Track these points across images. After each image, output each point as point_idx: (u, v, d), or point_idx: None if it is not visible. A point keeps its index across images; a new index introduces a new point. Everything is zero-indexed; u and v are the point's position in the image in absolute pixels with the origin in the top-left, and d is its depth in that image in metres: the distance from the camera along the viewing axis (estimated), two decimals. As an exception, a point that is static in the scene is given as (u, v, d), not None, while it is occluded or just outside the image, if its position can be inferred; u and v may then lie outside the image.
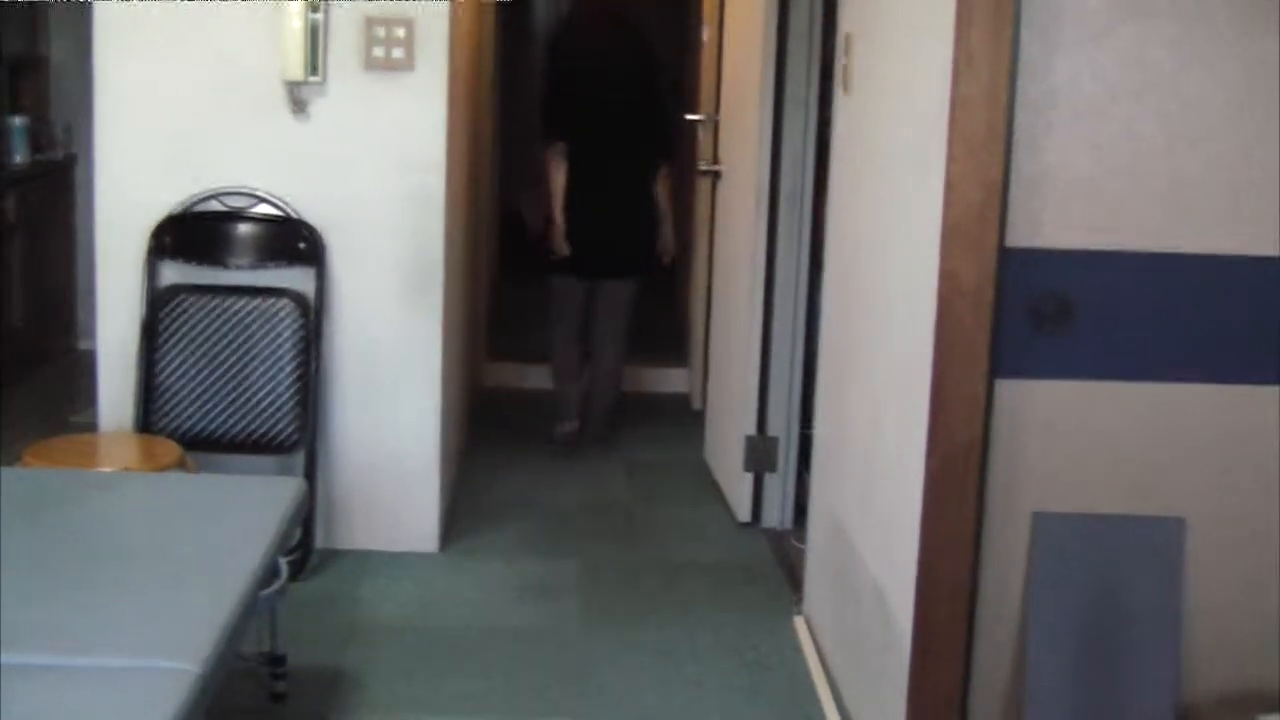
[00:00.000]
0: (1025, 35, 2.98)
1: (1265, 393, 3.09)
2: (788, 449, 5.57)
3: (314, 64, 4.83)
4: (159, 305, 4.86)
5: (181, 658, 2.47)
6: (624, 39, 6.75)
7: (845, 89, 4.18)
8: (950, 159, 3.02)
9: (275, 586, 3.54)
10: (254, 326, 4.87)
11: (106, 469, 4.30)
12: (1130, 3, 2.97)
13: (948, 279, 3.05)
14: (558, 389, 6.78)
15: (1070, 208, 3.03)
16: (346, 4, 4.85)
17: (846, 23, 4.21)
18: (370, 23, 4.87)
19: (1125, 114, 3.00)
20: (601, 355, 6.72)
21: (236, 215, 4.92)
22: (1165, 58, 2.99)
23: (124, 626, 2.60)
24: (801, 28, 5.30)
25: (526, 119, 10.29)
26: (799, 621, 4.63)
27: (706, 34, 6.83)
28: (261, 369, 4.87)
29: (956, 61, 3.00)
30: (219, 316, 4.87)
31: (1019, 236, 3.03)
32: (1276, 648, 3.17)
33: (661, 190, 6.63)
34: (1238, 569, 3.14)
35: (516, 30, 10.13)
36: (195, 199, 4.90)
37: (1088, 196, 3.03)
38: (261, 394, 4.86)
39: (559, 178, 6.45)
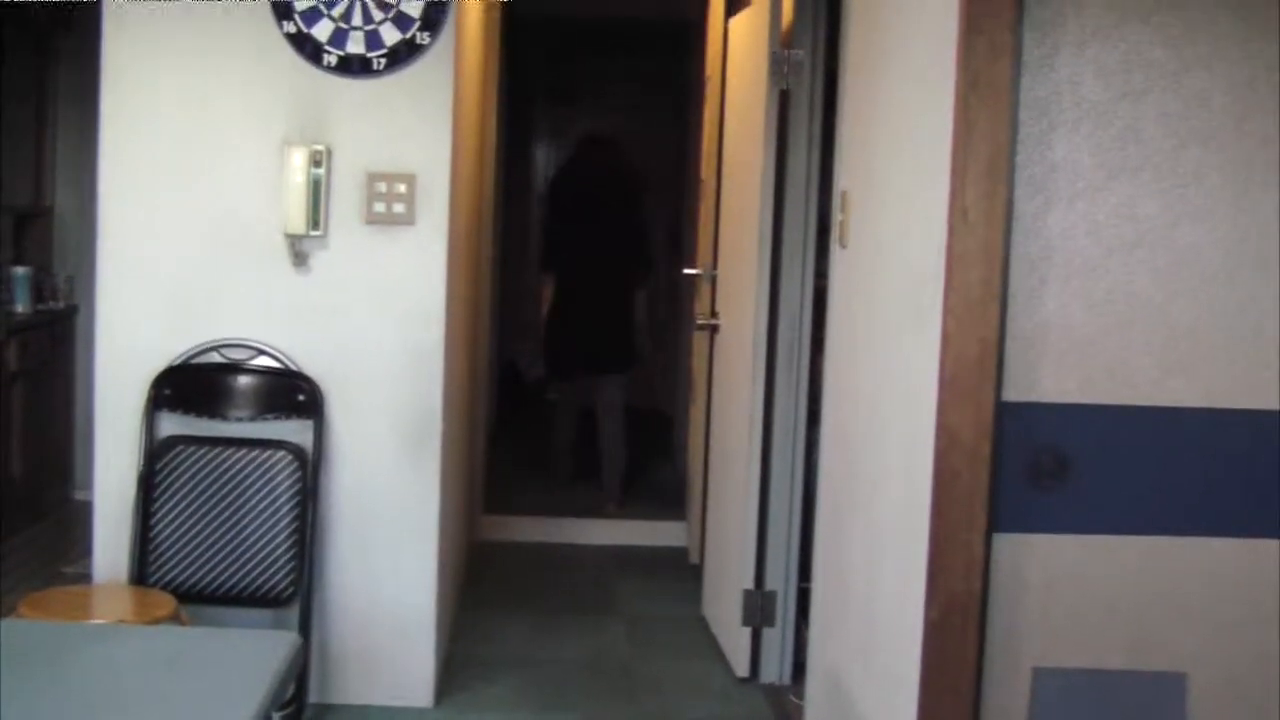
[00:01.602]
0: (1019, 191, 3.02)
1: (1265, 546, 3.08)
2: (786, 603, 5.53)
3: (315, 218, 4.88)
4: (157, 456, 4.86)
5: (172, 814, 2.43)
6: (613, 179, 8.18)
7: (842, 244, 4.22)
8: (947, 313, 3.04)
9: (268, 742, 3.50)
10: (251, 478, 4.87)
11: (101, 621, 4.27)
12: (1122, 159, 3.01)
13: (945, 433, 3.05)
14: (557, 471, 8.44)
15: (1066, 362, 3.04)
16: (349, 159, 4.91)
17: (843, 179, 4.26)
18: (372, 178, 4.92)
19: (1119, 268, 3.03)
20: (606, 437, 8.10)
21: (236, 367, 4.94)
22: (1157, 212, 3.02)
23: (114, 782, 2.56)
24: (798, 183, 5.36)
25: (525, 272, 10.42)
26: (798, 779, 4.58)
27: (703, 190, 6.90)
28: (258, 521, 4.85)
29: (952, 217, 3.03)
30: (216, 468, 4.86)
31: (1016, 391, 3.05)
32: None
33: (640, 301, 8.37)
34: (1241, 726, 3.12)
35: (517, 182, 10.25)
36: (195, 350, 4.92)
37: (1084, 350, 3.04)
38: (257, 547, 4.84)
39: (546, 299, 8.19)
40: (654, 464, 9.12)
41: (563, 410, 8.47)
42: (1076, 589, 3.07)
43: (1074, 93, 3.01)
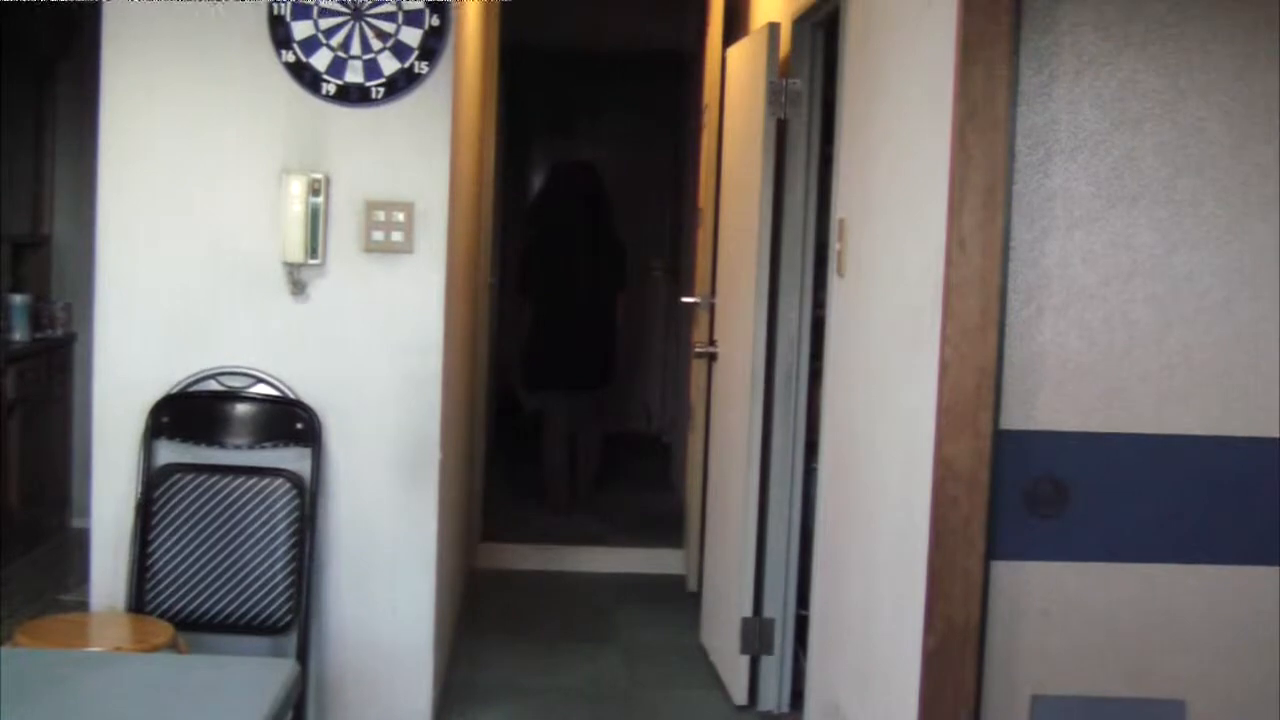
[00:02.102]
0: (1017, 221, 3.03)
1: (1263, 573, 3.08)
2: (784, 631, 5.53)
3: (314, 246, 4.88)
4: (154, 484, 4.86)
5: (170, 843, 2.43)
6: (589, 198, 8.55)
7: (840, 272, 4.23)
8: (944, 342, 3.05)
9: (266, 770, 3.50)
10: (249, 506, 4.87)
11: (98, 649, 4.27)
12: (1118, 188, 3.03)
13: (943, 461, 3.06)
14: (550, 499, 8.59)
15: (1064, 390, 3.05)
16: (347, 188, 4.92)
17: (840, 208, 4.27)
18: (370, 207, 4.93)
19: (1116, 297, 3.04)
20: (582, 448, 8.65)
21: (234, 395, 4.94)
22: (1154, 241, 3.04)
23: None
24: (796, 212, 5.38)
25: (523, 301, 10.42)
26: (796, 808, 4.58)
27: (701, 219, 6.91)
28: (256, 549, 4.85)
29: (949, 246, 3.04)
30: (214, 496, 4.86)
31: (1014, 419, 3.05)
32: (1280, 835, 3.14)
33: (620, 311, 8.64)
34: (1239, 754, 3.12)
35: (515, 211, 10.26)
36: (193, 378, 4.92)
37: (1081, 378, 3.05)
38: (255, 574, 4.84)
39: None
40: (652, 492, 9.12)
41: (549, 439, 8.62)
42: (1075, 616, 3.08)
43: (1071, 122, 3.03)
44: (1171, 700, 3.09)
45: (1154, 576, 3.08)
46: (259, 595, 4.82)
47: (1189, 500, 3.07)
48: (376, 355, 4.97)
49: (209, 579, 4.82)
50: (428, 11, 4.88)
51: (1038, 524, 3.06)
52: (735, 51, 6.10)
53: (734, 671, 5.59)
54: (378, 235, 4.93)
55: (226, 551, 4.84)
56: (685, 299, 7.14)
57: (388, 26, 4.87)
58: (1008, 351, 3.04)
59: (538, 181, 11.20)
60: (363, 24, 4.86)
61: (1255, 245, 3.05)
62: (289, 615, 4.84)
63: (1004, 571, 3.08)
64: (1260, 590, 3.09)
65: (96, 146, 4.89)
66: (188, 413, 4.92)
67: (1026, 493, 3.06)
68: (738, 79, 5.98)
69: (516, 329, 9.72)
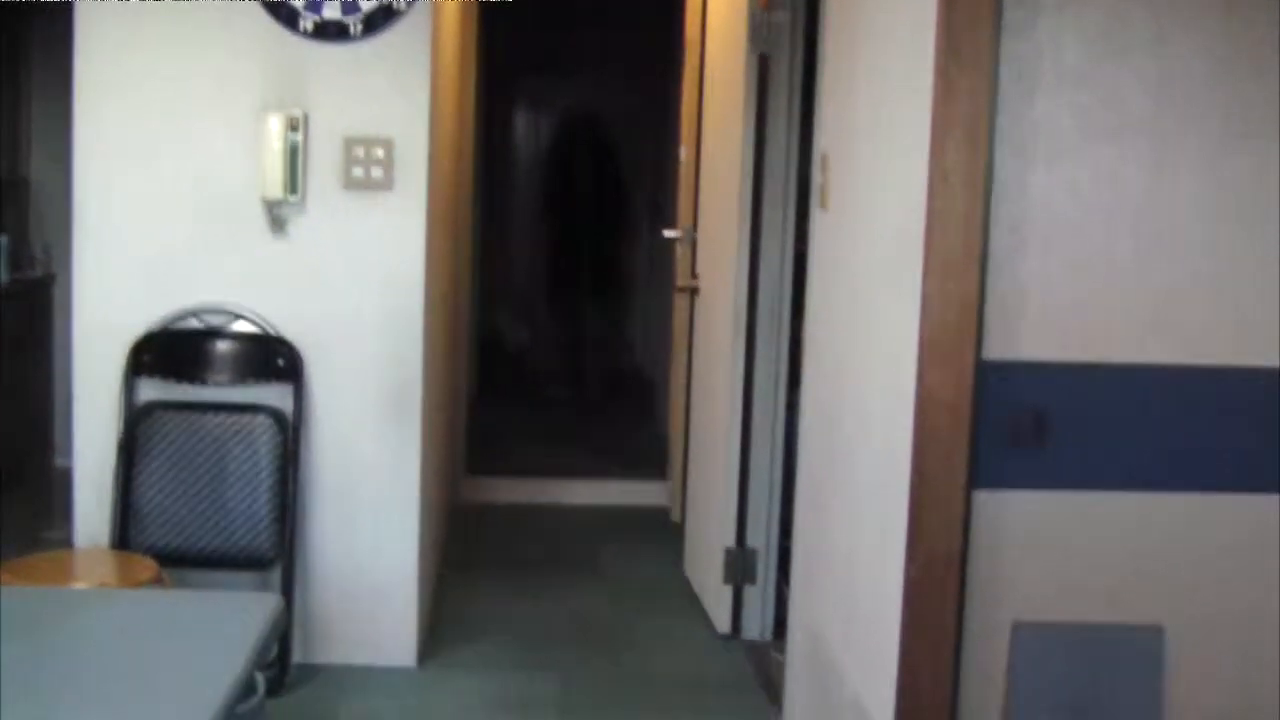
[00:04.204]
0: (1000, 154, 3.03)
1: (1241, 500, 3.11)
2: (767, 561, 5.56)
3: (293, 183, 4.87)
4: (137, 422, 4.86)
5: (159, 776, 2.44)
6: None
7: (822, 206, 4.23)
8: (927, 274, 3.06)
9: (253, 702, 3.50)
10: (231, 443, 4.87)
11: (82, 586, 4.28)
12: (1102, 121, 3.03)
13: (925, 392, 3.07)
14: None
15: (1046, 321, 3.06)
16: (326, 125, 4.90)
17: (823, 141, 4.26)
18: (350, 144, 4.91)
19: (1099, 229, 3.05)
20: None
21: (215, 333, 4.93)
22: (1138, 174, 3.04)
23: (101, 745, 2.58)
24: (779, 146, 5.36)
25: (508, 239, 10.41)
26: (780, 737, 4.61)
27: (684, 153, 6.90)
28: (239, 485, 4.86)
29: (932, 179, 3.04)
30: (196, 433, 4.87)
31: (996, 350, 3.06)
32: (1258, 759, 3.17)
33: None
34: (1216, 676, 3.15)
35: (497, 149, 10.23)
36: (174, 316, 4.92)
37: (1063, 310, 3.06)
38: (239, 510, 4.85)
39: None
40: (636, 425, 9.14)
41: None
42: (1055, 544, 3.10)
43: (1054, 55, 3.02)
44: (1150, 625, 3.12)
45: (1134, 504, 3.10)
46: (243, 531, 4.84)
47: (1169, 429, 3.09)
48: (358, 291, 4.96)
49: (193, 515, 4.83)
50: (406, -55, 4.85)
51: (1019, 454, 3.08)
52: (716, -16, 6.07)
53: (717, 602, 5.62)
54: (358, 172, 4.92)
55: (210, 488, 4.85)
56: (667, 233, 7.13)
57: (366, -40, 4.84)
58: (990, 283, 3.05)
59: (519, 120, 11.17)
60: (341, -42, 4.83)
61: (1237, 177, 3.06)
62: (273, 550, 4.86)
63: (986, 501, 3.09)
64: (1238, 517, 3.11)
65: (73, 86, 4.86)
66: (169, 351, 4.92)
67: (1008, 423, 3.07)
68: (720, 12, 5.96)
69: (500, 265, 9.75)
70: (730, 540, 5.55)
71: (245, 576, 4.90)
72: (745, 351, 5.48)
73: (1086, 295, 3.06)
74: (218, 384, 4.92)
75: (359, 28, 4.87)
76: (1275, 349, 3.09)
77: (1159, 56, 3.03)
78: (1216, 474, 3.10)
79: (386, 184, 4.94)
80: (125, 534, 4.81)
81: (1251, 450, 3.10)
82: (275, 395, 4.94)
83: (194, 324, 4.93)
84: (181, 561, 4.79)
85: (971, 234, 3.02)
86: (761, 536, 5.55)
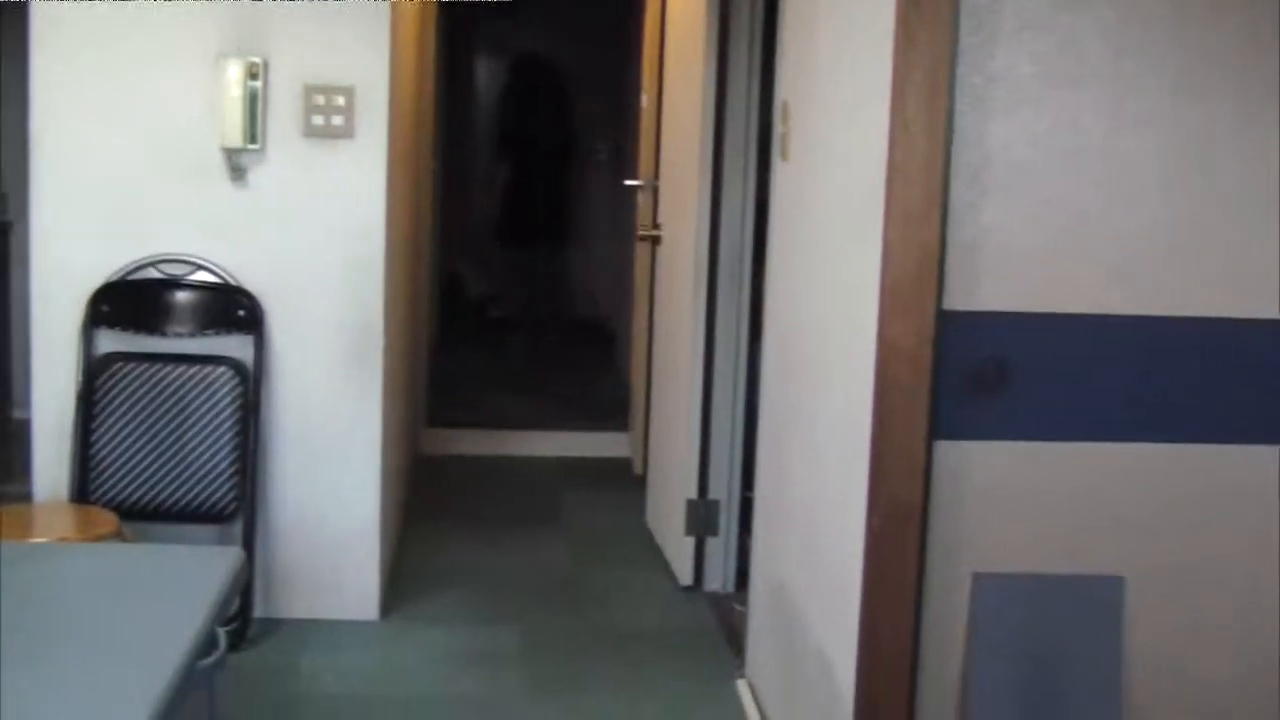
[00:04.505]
0: (960, 103, 3.02)
1: (1201, 451, 3.12)
2: (729, 513, 5.57)
3: (253, 131, 4.83)
4: (96, 373, 4.83)
5: (118, 730, 2.43)
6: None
7: (783, 156, 4.22)
8: (888, 223, 3.05)
9: (214, 657, 3.49)
10: (192, 394, 4.85)
11: (42, 540, 4.25)
12: (1062, 68, 3.02)
13: (886, 342, 3.07)
14: None
15: (1007, 271, 3.06)
16: (286, 72, 4.86)
17: (784, 90, 4.25)
18: (309, 91, 4.87)
19: (1060, 178, 3.04)
20: None
21: (174, 283, 4.90)
22: (1098, 122, 3.03)
23: (59, 700, 2.57)
24: (740, 95, 5.34)
25: (469, 186, 10.37)
26: (742, 685, 4.62)
27: (645, 101, 6.87)
28: (199, 437, 4.84)
29: (893, 129, 3.03)
30: (156, 385, 4.84)
31: (956, 300, 3.06)
32: (1214, 705, 3.19)
33: None
34: (1177, 627, 3.16)
35: (458, 95, 10.17)
36: (133, 266, 4.88)
37: (1024, 260, 3.06)
38: (199, 463, 4.83)
39: None
40: (597, 376, 9.14)
41: None
42: (1016, 495, 3.11)
43: (1014, 4, 3.01)
44: (1111, 576, 3.13)
45: (1095, 455, 3.11)
46: (203, 484, 4.82)
47: (1130, 380, 3.10)
48: (318, 241, 4.94)
49: (153, 468, 4.81)
50: (364, -109, 4.80)
51: (980, 403, 3.08)
52: (677, -69, 6.03)
53: (679, 553, 5.63)
54: (318, 120, 4.88)
55: (170, 440, 4.82)
56: (629, 181, 7.11)
57: (324, -93, 4.79)
58: (951, 233, 3.04)
59: (480, 66, 11.12)
60: (298, -96, 4.78)
61: (1197, 126, 3.05)
62: (234, 503, 4.84)
63: (947, 451, 3.10)
64: (1198, 468, 3.12)
65: (29, 33, 4.80)
66: (128, 301, 4.88)
67: (969, 373, 3.07)
68: (680, -41, 5.92)
69: (461, 213, 9.70)
70: (692, 492, 5.56)
71: (206, 530, 4.88)
72: (707, 301, 5.47)
73: (1047, 245, 3.06)
74: (178, 335, 4.89)
75: (318, -25, 4.82)
76: (1235, 299, 3.09)
77: (1118, 4, 3.01)
78: (1177, 425, 3.11)
79: (347, 132, 4.90)
80: (85, 487, 4.79)
81: (1211, 401, 3.11)
82: (236, 346, 4.92)
83: (153, 274, 4.90)
84: (142, 515, 4.77)
85: (932, 183, 3.01)
86: (723, 488, 5.56)
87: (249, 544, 4.82)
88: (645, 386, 6.78)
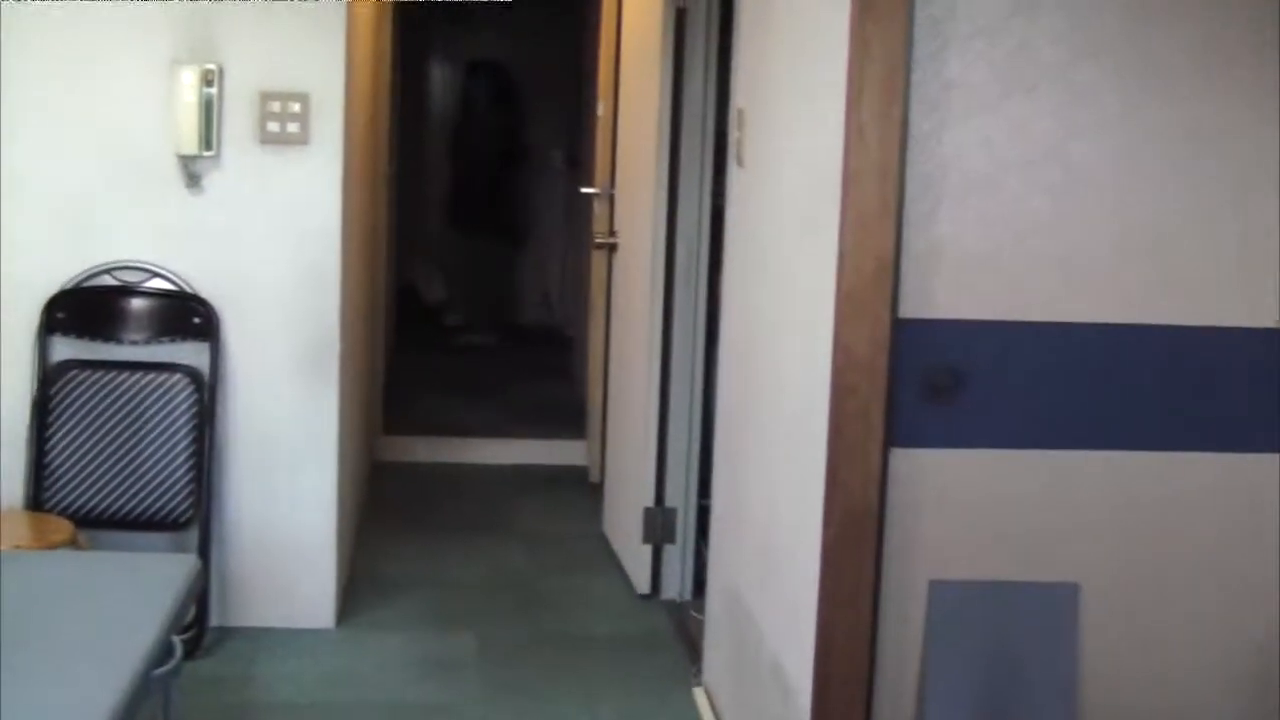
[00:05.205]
0: (915, 109, 3.03)
1: (1155, 458, 3.14)
2: (686, 520, 5.57)
3: (208, 138, 4.81)
4: (50, 381, 4.80)
5: (73, 740, 2.42)
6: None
7: (739, 162, 4.23)
8: (843, 230, 3.06)
9: (169, 666, 3.48)
10: (147, 402, 4.83)
11: (-5, 548, 4.23)
12: (1015, 76, 3.03)
13: (841, 349, 3.08)
14: None
15: (961, 279, 3.07)
16: (241, 78, 4.84)
17: (739, 97, 4.26)
18: (265, 98, 4.86)
19: (1014, 185, 3.06)
20: None
21: (130, 290, 4.88)
22: (1052, 129, 3.05)
23: (13, 707, 2.55)
24: (695, 102, 5.35)
25: (425, 192, 10.36)
26: (699, 693, 4.63)
27: (601, 109, 6.88)
28: (155, 445, 4.82)
29: (848, 135, 3.04)
30: (112, 392, 4.82)
31: (912, 307, 3.07)
32: (1169, 710, 3.21)
33: None
34: (1132, 634, 3.18)
35: (413, 102, 10.15)
36: (88, 273, 4.85)
37: (978, 267, 3.07)
38: (155, 470, 4.81)
39: None
40: (554, 383, 9.13)
41: None
42: (972, 502, 3.12)
43: (968, 9, 3.02)
44: (1066, 583, 3.15)
45: (1050, 462, 3.12)
46: (159, 491, 4.80)
47: (1084, 388, 3.11)
48: (274, 248, 4.92)
49: (108, 476, 4.79)
50: (320, -103, 4.79)
51: (936, 411, 3.10)
52: (634, -61, 6.04)
53: (636, 561, 5.63)
54: (273, 126, 4.87)
55: (126, 448, 4.80)
56: (585, 189, 7.11)
57: (279, -87, 4.78)
58: (906, 240, 3.06)
59: (435, 73, 11.10)
60: (254, -90, 4.77)
61: (1153, 132, 3.07)
62: (190, 511, 4.82)
63: (902, 459, 3.11)
64: (1150, 475, 3.14)
65: (-18, 37, 4.77)
66: (83, 308, 4.86)
67: (925, 381, 3.08)
68: (637, -34, 5.93)
69: (417, 220, 9.68)
70: (649, 500, 5.56)
71: (162, 538, 4.85)
72: (663, 309, 5.47)
73: (1002, 251, 3.08)
74: (133, 342, 4.87)
75: (273, -19, 4.81)
76: (1190, 307, 3.12)
77: (1070, 9, 3.03)
78: (1131, 432, 3.13)
79: (303, 139, 4.89)
80: (39, 495, 4.76)
81: (1166, 408, 3.13)
82: (191, 353, 4.90)
83: (108, 281, 4.87)
84: (97, 523, 4.75)
85: (887, 190, 3.03)
86: (680, 496, 5.56)
87: (204, 552, 4.81)
88: (602, 394, 6.77)
